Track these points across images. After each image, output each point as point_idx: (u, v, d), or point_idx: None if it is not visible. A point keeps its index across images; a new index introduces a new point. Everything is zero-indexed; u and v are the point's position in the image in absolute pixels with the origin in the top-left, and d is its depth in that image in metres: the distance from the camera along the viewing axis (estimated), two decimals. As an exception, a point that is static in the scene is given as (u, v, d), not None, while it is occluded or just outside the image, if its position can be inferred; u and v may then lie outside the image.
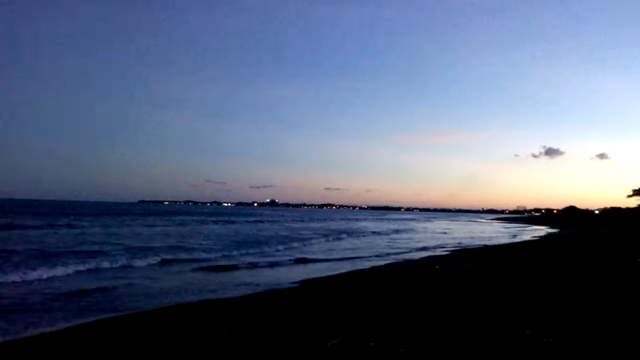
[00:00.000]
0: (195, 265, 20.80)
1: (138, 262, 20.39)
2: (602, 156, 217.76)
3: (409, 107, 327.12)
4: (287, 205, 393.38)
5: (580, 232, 54.01)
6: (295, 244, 33.20)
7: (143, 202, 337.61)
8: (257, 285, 15.80)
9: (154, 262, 20.93)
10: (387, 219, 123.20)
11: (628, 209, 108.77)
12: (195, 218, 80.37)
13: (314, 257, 25.71)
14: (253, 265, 21.22)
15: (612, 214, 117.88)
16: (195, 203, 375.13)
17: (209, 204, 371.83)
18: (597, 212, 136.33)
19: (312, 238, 39.69)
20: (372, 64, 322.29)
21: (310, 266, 22.17)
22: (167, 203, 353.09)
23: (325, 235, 43.72)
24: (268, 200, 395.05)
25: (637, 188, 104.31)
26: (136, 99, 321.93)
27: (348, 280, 16.99)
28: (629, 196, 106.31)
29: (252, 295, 13.94)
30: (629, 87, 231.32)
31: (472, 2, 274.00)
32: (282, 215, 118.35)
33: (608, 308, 10.14)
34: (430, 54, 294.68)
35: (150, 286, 15.26)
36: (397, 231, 57.73)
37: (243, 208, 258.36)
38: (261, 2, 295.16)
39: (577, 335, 8.02)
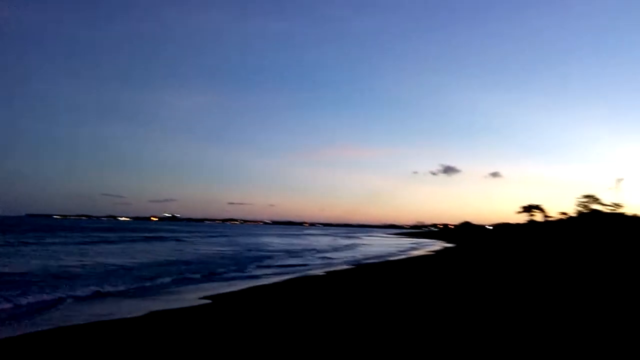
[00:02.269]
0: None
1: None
2: (495, 174, 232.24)
3: (314, 122, 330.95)
4: (189, 220, 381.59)
5: (473, 246, 59.46)
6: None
7: (31, 215, 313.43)
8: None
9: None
10: (298, 234, 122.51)
11: (517, 224, 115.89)
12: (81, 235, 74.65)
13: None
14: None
15: (503, 229, 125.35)
16: (89, 217, 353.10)
17: (104, 218, 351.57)
18: (489, 227, 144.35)
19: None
20: (277, 77, 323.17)
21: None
22: (57, 217, 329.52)
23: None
24: (168, 215, 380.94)
25: (525, 205, 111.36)
26: (19, 105, 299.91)
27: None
28: (518, 212, 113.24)
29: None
30: (520, 110, 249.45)
31: (375, 21, 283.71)
32: (190, 232, 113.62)
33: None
34: (334, 69, 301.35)
35: None
36: (314, 250, 56.78)
37: (141, 223, 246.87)
38: (170, 8, 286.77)
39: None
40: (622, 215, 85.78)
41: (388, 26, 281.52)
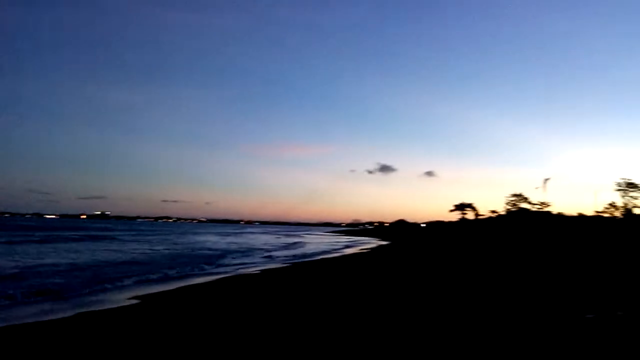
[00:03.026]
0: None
1: None
2: (429, 174, 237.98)
3: (252, 119, 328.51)
4: (120, 218, 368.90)
5: (406, 244, 61.34)
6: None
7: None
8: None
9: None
10: (238, 232, 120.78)
11: (450, 222, 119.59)
12: None
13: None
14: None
15: (436, 226, 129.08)
16: (12, 215, 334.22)
17: (28, 216, 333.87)
18: (423, 225, 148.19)
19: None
20: (215, 73, 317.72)
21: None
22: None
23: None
24: (98, 213, 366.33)
25: (457, 203, 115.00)
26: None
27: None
28: (451, 211, 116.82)
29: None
30: (455, 112, 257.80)
31: (319, 21, 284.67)
32: (118, 230, 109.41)
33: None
34: (277, 67, 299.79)
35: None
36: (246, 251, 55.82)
37: (70, 221, 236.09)
38: (111, 4, 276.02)
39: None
40: (548, 213, 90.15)
41: (330, 25, 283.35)
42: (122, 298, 14.71)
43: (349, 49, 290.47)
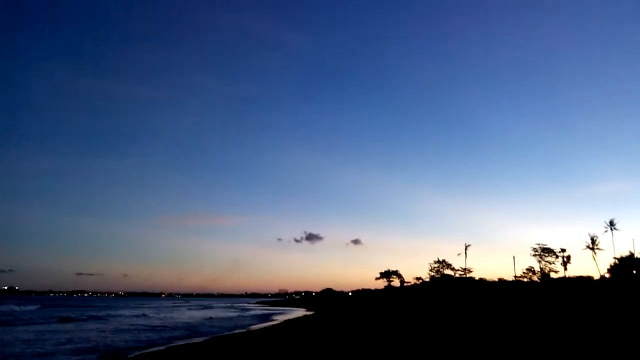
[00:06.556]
0: None
1: None
2: (356, 242, 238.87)
3: (173, 189, 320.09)
4: (30, 292, 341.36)
5: (330, 313, 60.64)
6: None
7: None
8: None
9: None
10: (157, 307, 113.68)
11: (376, 290, 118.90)
12: None
13: None
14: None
15: (363, 294, 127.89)
16: None
17: None
18: (350, 293, 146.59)
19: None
20: (130, 141, 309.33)
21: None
22: None
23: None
24: (6, 288, 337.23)
25: (383, 271, 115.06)
26: None
27: None
28: (377, 278, 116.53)
29: None
30: (381, 184, 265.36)
31: (237, 92, 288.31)
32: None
33: None
34: (196, 135, 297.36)
35: None
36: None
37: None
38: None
39: None
40: (470, 279, 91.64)
41: (254, 94, 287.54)
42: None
43: (272, 120, 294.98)
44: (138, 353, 22.53)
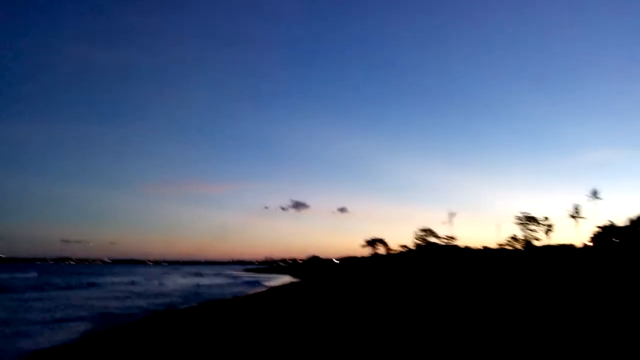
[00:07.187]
0: None
1: None
2: (342, 210, 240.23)
3: (160, 157, 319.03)
4: (15, 259, 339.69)
5: (317, 280, 61.62)
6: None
7: None
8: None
9: None
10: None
11: (362, 257, 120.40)
12: None
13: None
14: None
15: (349, 262, 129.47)
16: None
17: None
18: (336, 261, 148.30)
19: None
20: (121, 108, 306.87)
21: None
22: None
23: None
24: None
25: (369, 239, 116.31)
26: None
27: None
28: (363, 246, 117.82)
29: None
30: (368, 151, 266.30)
31: (226, 60, 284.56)
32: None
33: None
34: (182, 104, 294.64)
35: None
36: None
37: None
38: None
39: None
40: (455, 247, 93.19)
41: (243, 60, 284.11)
42: None
43: (263, 85, 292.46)
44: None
